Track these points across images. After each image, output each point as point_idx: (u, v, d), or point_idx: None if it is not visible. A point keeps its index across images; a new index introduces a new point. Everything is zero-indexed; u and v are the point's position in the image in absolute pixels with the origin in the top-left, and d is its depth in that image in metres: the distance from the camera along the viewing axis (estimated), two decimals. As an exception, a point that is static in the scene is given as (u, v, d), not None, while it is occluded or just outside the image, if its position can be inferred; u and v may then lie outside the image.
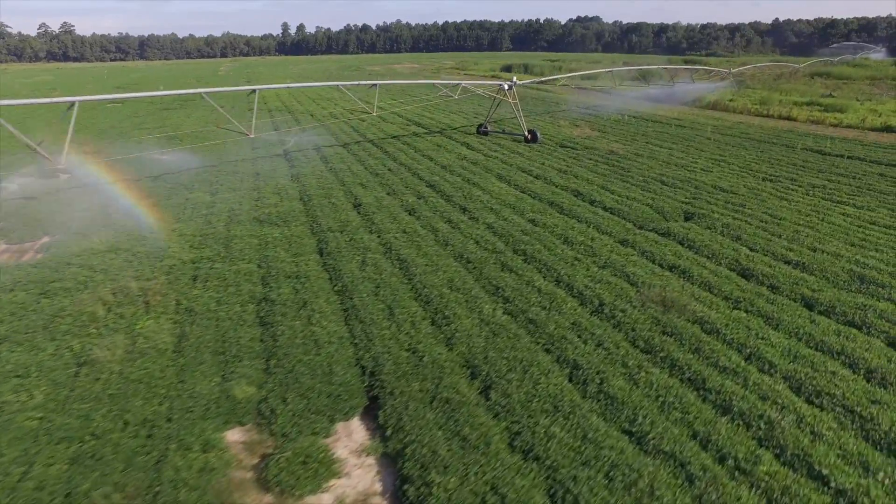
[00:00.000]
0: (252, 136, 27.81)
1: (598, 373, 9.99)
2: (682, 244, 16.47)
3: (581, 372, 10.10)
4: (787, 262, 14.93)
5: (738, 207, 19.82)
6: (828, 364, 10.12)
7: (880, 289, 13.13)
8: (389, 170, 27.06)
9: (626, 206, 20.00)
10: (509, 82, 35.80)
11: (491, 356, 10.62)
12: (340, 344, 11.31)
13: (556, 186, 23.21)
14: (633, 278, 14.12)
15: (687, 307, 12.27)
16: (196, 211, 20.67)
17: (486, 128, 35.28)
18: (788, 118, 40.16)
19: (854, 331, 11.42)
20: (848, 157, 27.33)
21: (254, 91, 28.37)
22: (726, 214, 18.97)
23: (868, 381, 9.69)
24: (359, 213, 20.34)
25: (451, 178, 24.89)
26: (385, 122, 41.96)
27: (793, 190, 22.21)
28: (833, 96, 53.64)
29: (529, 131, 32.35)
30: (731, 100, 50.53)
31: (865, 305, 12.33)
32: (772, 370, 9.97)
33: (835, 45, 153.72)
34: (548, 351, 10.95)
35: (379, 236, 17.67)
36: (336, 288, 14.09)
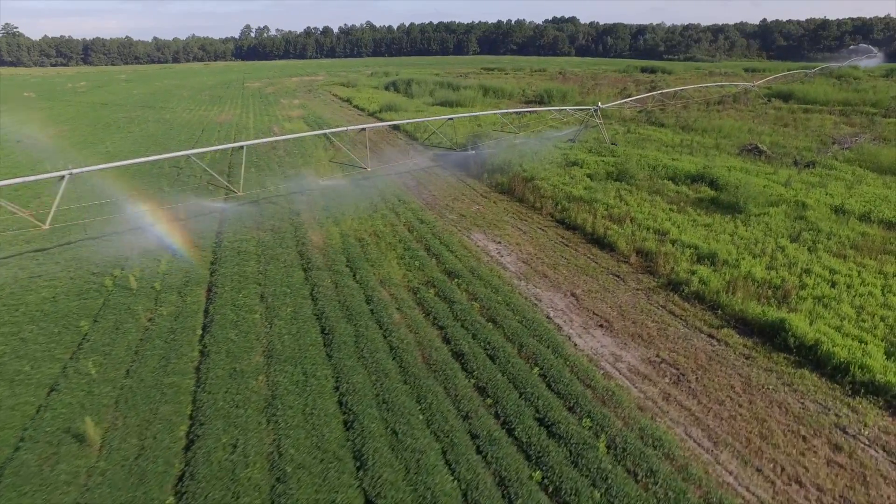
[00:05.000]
0: None
1: None
2: None
3: None
4: None
5: None
6: None
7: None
8: None
9: None
10: None
11: None
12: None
13: None
14: None
15: None
16: None
17: None
18: (600, 241, 18.88)
19: None
20: None
21: None
22: None
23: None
24: None
25: None
26: None
27: None
28: (760, 150, 32.49)
29: None
30: (574, 163, 29.38)
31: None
32: None
33: (850, 47, 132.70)
34: None
35: None
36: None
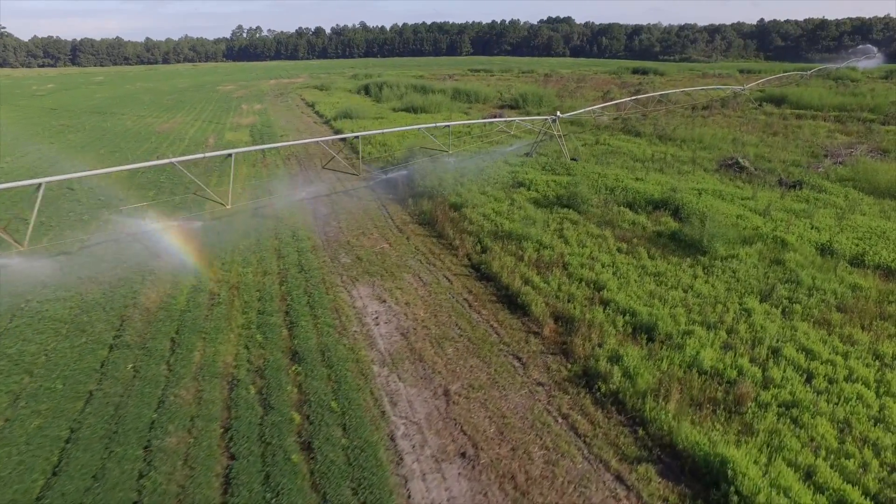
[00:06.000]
0: None
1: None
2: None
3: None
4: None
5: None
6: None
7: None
8: None
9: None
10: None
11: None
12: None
13: None
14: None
15: None
16: None
17: None
18: (514, 300, 14.60)
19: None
20: None
21: None
22: None
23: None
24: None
25: None
26: None
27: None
28: (741, 166, 28.30)
29: None
30: (521, 184, 25.12)
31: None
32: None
33: (858, 47, 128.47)
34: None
35: None
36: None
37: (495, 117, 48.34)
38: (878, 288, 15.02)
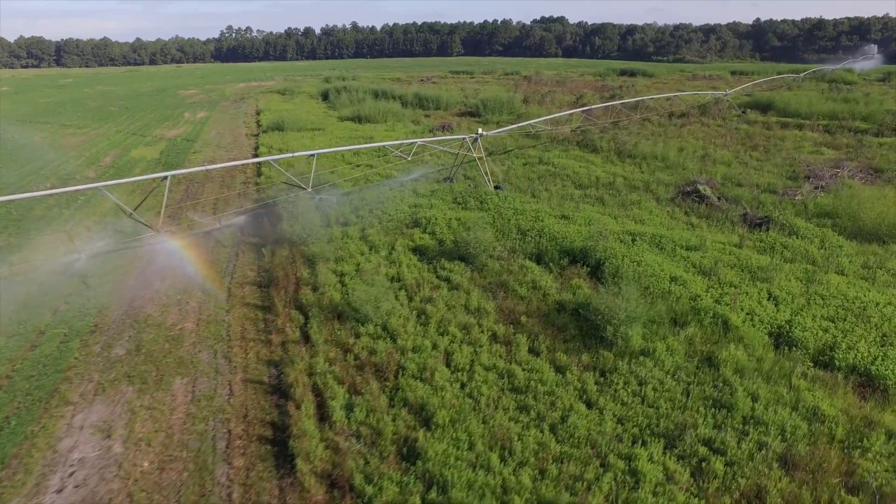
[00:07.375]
0: None
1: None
2: None
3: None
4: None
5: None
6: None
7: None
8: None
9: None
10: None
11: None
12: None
13: None
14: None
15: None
16: None
17: None
18: (287, 443, 9.71)
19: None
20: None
21: None
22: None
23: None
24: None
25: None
26: None
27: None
28: (702, 196, 23.36)
29: None
30: (417, 224, 20.11)
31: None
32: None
33: (864, 47, 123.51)
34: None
35: None
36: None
37: (444, 127, 43.47)
38: (848, 413, 10.09)
